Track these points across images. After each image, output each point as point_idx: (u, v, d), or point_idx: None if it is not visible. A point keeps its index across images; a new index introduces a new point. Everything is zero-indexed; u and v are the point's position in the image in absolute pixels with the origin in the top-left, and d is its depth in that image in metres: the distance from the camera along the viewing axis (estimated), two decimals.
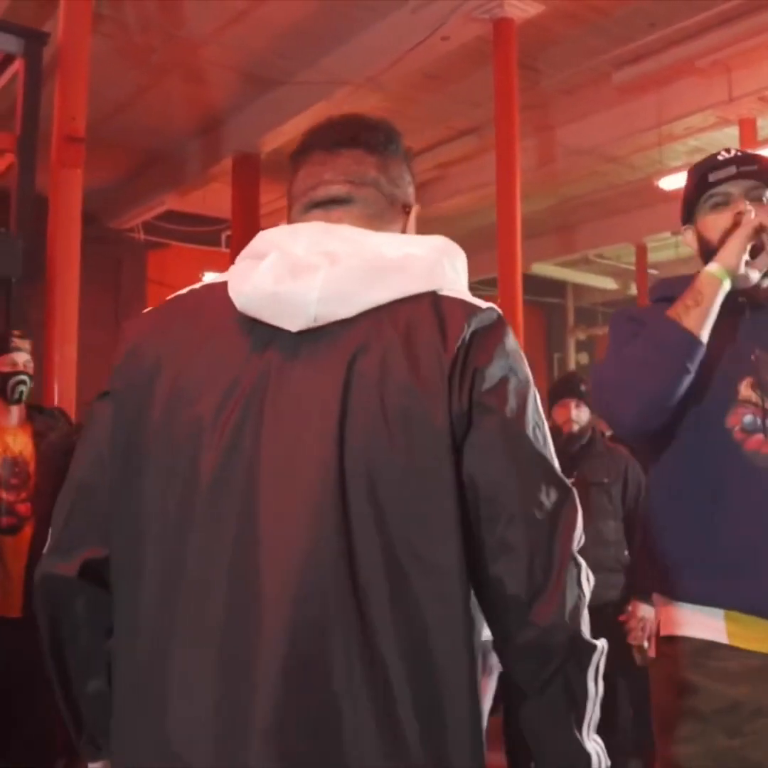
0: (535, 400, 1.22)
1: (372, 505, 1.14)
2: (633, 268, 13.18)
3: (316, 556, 1.13)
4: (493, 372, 1.19)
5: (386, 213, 1.34)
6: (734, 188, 1.94)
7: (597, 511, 4.27)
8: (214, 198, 10.65)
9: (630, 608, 4.17)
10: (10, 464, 3.74)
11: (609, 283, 14.85)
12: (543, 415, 1.24)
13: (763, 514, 1.79)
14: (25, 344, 3.87)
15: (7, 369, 3.77)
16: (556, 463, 1.21)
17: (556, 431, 4.37)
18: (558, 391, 4.46)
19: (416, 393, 1.16)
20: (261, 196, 10.11)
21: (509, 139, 7.20)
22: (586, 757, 1.23)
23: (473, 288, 1.29)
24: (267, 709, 1.12)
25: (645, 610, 4.13)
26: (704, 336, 1.82)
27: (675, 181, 8.72)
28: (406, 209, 1.36)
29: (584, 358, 15.56)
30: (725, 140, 8.89)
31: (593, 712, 1.23)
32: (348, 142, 1.35)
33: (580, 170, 10.32)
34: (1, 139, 5.26)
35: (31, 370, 3.85)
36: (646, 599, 4.21)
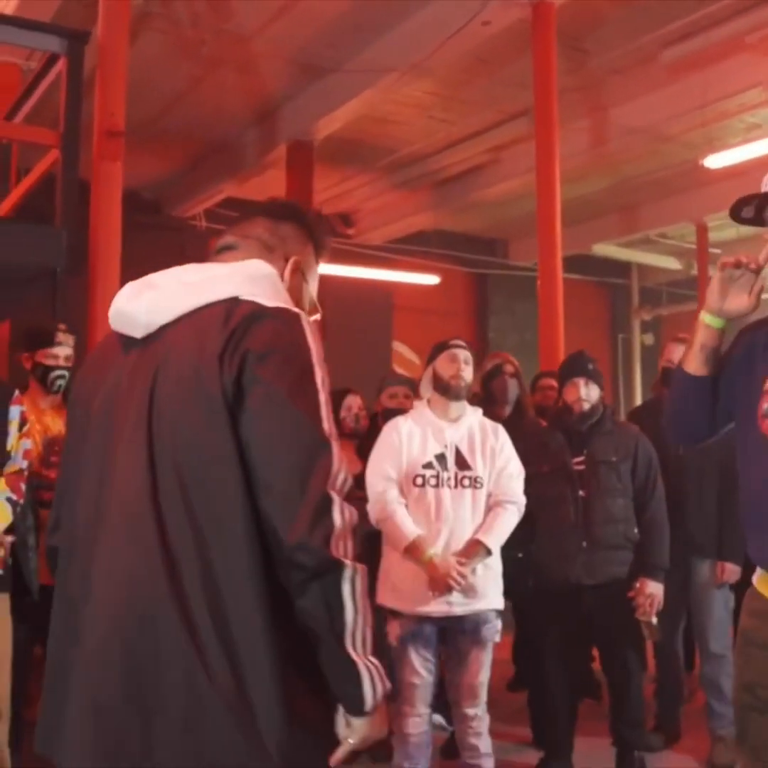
0: (306, 376, 1.57)
1: (179, 486, 1.53)
2: (695, 247, 13.04)
3: (137, 525, 1.54)
4: (263, 352, 1.54)
5: (262, 257, 1.78)
6: None
7: (606, 488, 4.35)
8: (271, 184, 10.80)
9: (638, 585, 4.25)
10: (50, 443, 3.98)
11: (673, 263, 14.70)
12: (317, 390, 1.60)
13: None
14: (69, 339, 4.12)
15: (49, 362, 4.02)
16: (322, 425, 1.58)
17: (566, 410, 4.45)
18: (567, 371, 4.52)
19: (200, 368, 1.56)
20: (315, 182, 10.25)
21: (549, 124, 7.22)
22: (356, 672, 1.52)
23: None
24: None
25: (653, 587, 4.20)
26: (693, 368, 2.36)
27: (724, 159, 8.63)
28: (285, 258, 1.84)
29: (649, 339, 15.43)
30: None
31: (358, 627, 1.52)
32: (258, 212, 1.89)
33: (636, 150, 10.24)
34: (46, 136, 5.49)
35: (71, 364, 4.10)
36: (655, 576, 4.29)
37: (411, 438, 4.01)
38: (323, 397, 1.61)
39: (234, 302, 1.62)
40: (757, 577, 2.29)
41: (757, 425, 2.26)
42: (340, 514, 1.53)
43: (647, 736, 4.65)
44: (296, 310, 1.66)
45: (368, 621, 1.56)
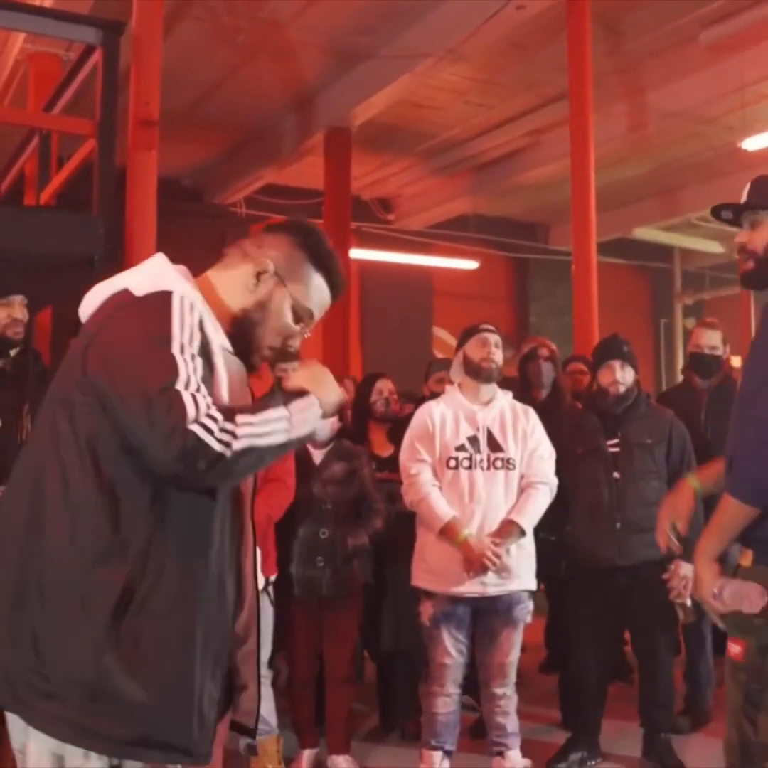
0: (153, 343, 1.73)
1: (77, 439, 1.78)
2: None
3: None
4: (115, 315, 1.83)
5: (236, 263, 2.01)
6: None
7: (640, 471, 4.36)
8: (310, 171, 10.89)
9: (672, 567, 4.26)
10: None
11: (715, 247, 14.55)
12: (171, 355, 1.72)
13: None
14: None
15: None
16: (174, 369, 1.69)
17: (601, 392, 4.48)
18: (602, 354, 4.54)
19: (77, 347, 1.86)
20: (353, 168, 10.30)
21: (583, 108, 7.21)
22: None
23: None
24: None
25: (687, 569, 4.20)
26: None
27: (763, 141, 8.53)
28: (258, 263, 1.98)
29: (691, 324, 15.29)
30: None
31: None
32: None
33: (675, 133, 10.16)
34: (83, 125, 5.57)
35: None
36: (689, 558, 4.29)
37: (444, 421, 4.07)
38: (182, 362, 1.70)
39: (122, 293, 1.87)
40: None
41: None
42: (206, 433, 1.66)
43: (675, 718, 4.67)
44: (169, 290, 1.81)
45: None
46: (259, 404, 1.78)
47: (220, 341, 1.86)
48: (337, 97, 9.52)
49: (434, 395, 4.85)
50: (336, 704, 4.41)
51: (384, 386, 5.02)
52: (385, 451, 4.82)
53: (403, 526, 4.32)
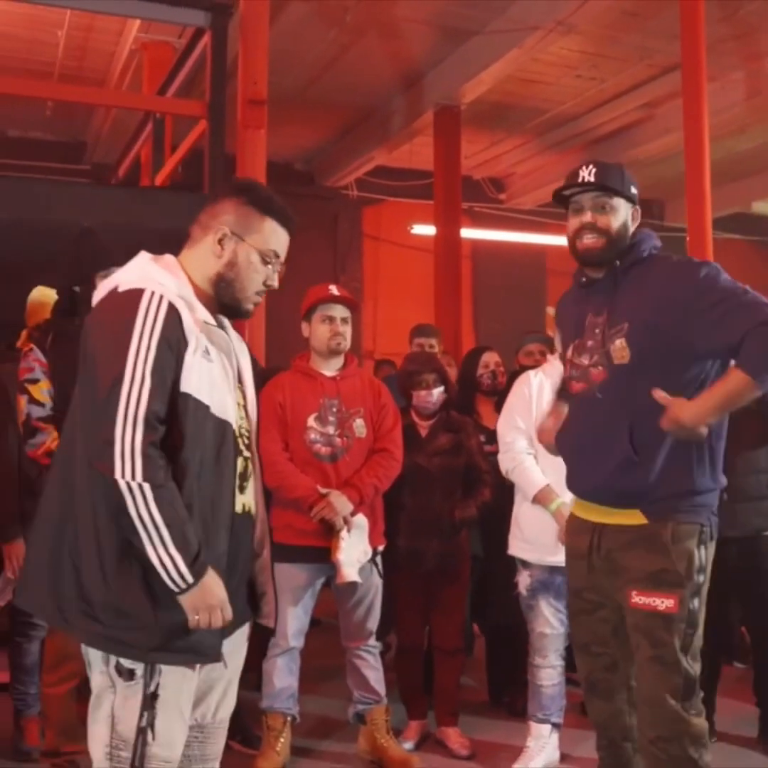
0: (117, 344, 2.10)
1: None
2: None
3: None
4: (92, 328, 2.22)
5: (198, 237, 2.30)
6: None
7: (746, 439, 4.23)
8: (420, 151, 10.89)
9: None
10: None
11: None
12: (126, 356, 2.07)
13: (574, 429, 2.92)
14: None
15: None
16: (106, 395, 2.06)
17: None
18: None
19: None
20: (463, 147, 10.25)
21: (697, 77, 6.99)
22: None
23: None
24: None
25: None
26: None
27: None
28: (216, 232, 2.28)
29: None
30: None
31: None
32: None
33: None
34: (194, 106, 5.71)
35: None
36: None
37: (541, 390, 4.04)
38: (132, 364, 2.06)
39: (112, 291, 2.21)
40: (574, 504, 3.01)
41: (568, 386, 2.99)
42: (121, 438, 2.03)
43: None
44: (141, 287, 2.13)
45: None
46: (186, 533, 2.06)
47: (201, 316, 2.22)
48: (445, 75, 9.47)
49: (524, 368, 4.81)
50: (445, 676, 4.42)
51: (490, 359, 4.99)
52: (494, 423, 4.78)
53: (512, 497, 4.29)
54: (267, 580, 2.43)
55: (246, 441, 2.36)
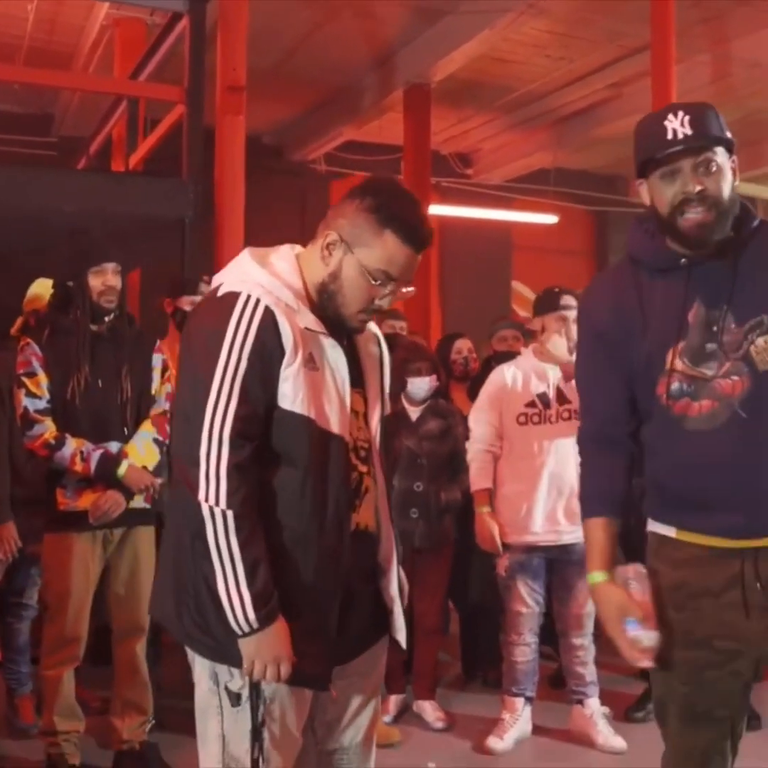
0: (206, 351, 2.01)
1: None
2: None
3: None
4: (188, 333, 2.13)
5: (318, 236, 2.10)
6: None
7: None
8: (390, 127, 10.94)
9: None
10: None
11: None
12: (214, 364, 1.98)
13: (686, 467, 2.16)
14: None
15: (188, 308, 4.31)
16: (196, 395, 1.99)
17: None
18: None
19: None
20: (433, 124, 10.32)
21: (666, 58, 7.17)
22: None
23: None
24: None
25: None
26: None
27: None
28: (326, 237, 2.07)
29: None
30: None
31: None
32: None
33: (760, 83, 9.94)
34: (171, 92, 5.75)
35: None
36: None
37: (514, 381, 4.21)
38: (219, 379, 1.96)
39: (215, 290, 2.12)
40: (675, 532, 2.22)
41: (662, 407, 2.16)
42: (206, 458, 1.95)
43: None
44: (238, 291, 2.01)
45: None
46: (260, 574, 1.96)
47: (306, 322, 2.03)
48: (417, 54, 9.52)
49: (497, 354, 4.98)
50: (424, 654, 4.58)
51: (463, 345, 5.14)
52: (466, 408, 4.94)
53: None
54: (394, 598, 2.26)
55: (362, 454, 2.17)
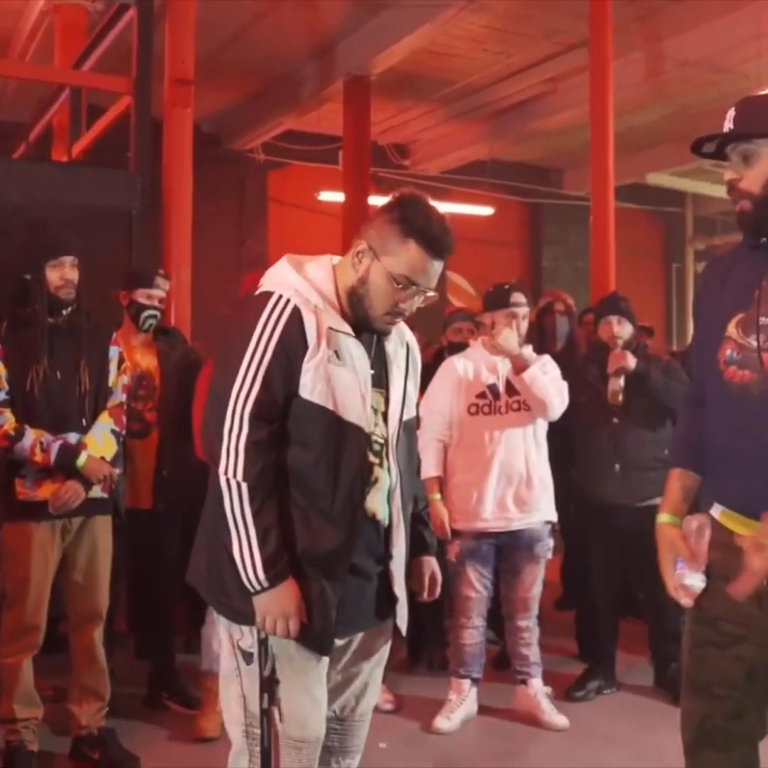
0: (234, 349, 2.26)
1: None
2: None
3: None
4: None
5: (351, 245, 2.33)
6: None
7: (637, 416, 4.61)
8: (329, 117, 10.99)
9: None
10: (139, 379, 4.34)
11: (726, 192, 14.58)
12: (239, 361, 2.23)
13: (731, 429, 2.26)
14: (165, 284, 4.47)
15: (143, 300, 4.35)
16: (228, 389, 2.23)
17: (601, 346, 4.73)
18: (601, 310, 4.88)
19: None
20: (372, 115, 10.40)
21: (603, 55, 7.37)
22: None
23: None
24: None
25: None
26: None
27: None
28: (356, 246, 2.31)
29: (702, 268, 15.40)
30: None
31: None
32: None
33: (693, 81, 10.19)
34: (119, 83, 5.76)
35: (163, 307, 4.46)
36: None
37: (466, 372, 4.33)
38: (246, 366, 2.20)
39: (252, 291, 2.36)
40: (719, 513, 2.29)
41: (718, 371, 2.26)
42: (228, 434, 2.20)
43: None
44: (272, 291, 2.26)
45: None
46: (271, 538, 2.19)
47: (331, 323, 2.25)
48: (358, 46, 9.59)
49: (452, 345, 5.10)
50: None
51: None
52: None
53: None
54: (400, 586, 2.44)
55: (376, 448, 2.34)
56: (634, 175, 13.00)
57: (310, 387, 2.21)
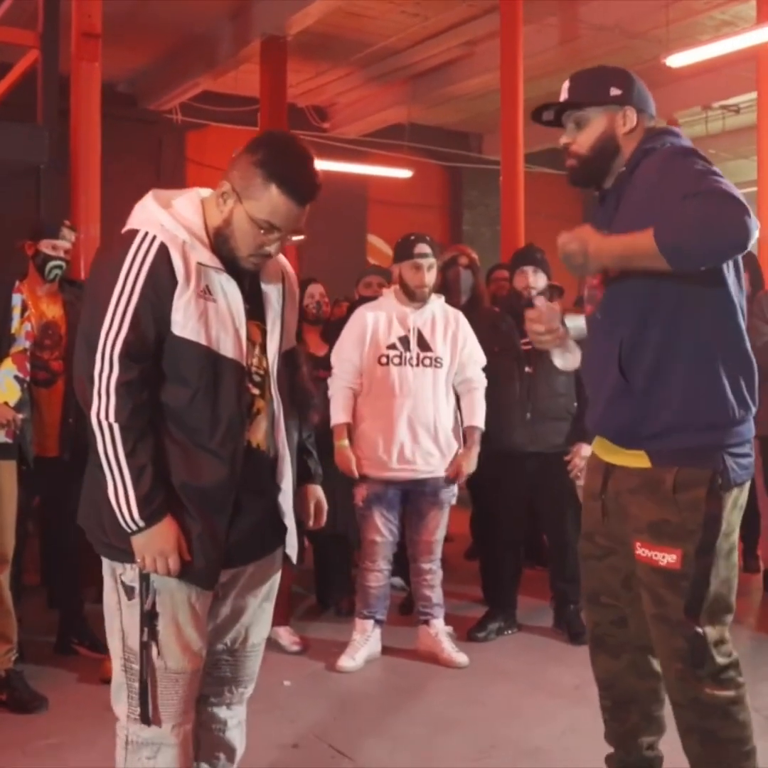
0: (101, 287, 2.24)
1: None
2: None
3: None
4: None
5: (220, 181, 2.29)
6: None
7: (550, 367, 4.75)
8: (246, 78, 10.95)
9: (574, 449, 4.72)
10: (45, 328, 4.35)
11: None
12: (108, 298, 2.20)
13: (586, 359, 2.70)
14: (71, 235, 4.47)
15: (50, 252, 4.35)
16: (96, 329, 2.21)
17: (516, 295, 4.87)
18: (517, 260, 4.97)
19: None
20: (289, 77, 10.40)
21: (514, 20, 7.48)
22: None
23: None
24: None
25: (587, 451, 4.64)
26: None
27: (687, 58, 8.78)
28: (220, 187, 2.28)
29: None
30: (751, 12, 8.96)
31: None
32: None
33: (605, 46, 10.35)
34: (26, 37, 5.72)
35: (68, 258, 4.46)
36: (589, 441, 4.73)
37: (377, 323, 4.44)
38: (113, 307, 2.17)
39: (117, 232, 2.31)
40: (594, 442, 2.69)
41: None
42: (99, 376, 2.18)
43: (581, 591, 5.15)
44: (137, 229, 2.22)
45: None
46: (145, 478, 2.18)
47: (201, 258, 2.23)
48: (273, 5, 9.58)
49: (363, 299, 5.21)
50: (279, 582, 4.79)
51: (315, 290, 5.32)
52: (320, 350, 5.14)
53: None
54: (289, 516, 2.47)
55: (256, 379, 2.37)
56: (549, 140, 13.15)
57: (181, 323, 2.19)
